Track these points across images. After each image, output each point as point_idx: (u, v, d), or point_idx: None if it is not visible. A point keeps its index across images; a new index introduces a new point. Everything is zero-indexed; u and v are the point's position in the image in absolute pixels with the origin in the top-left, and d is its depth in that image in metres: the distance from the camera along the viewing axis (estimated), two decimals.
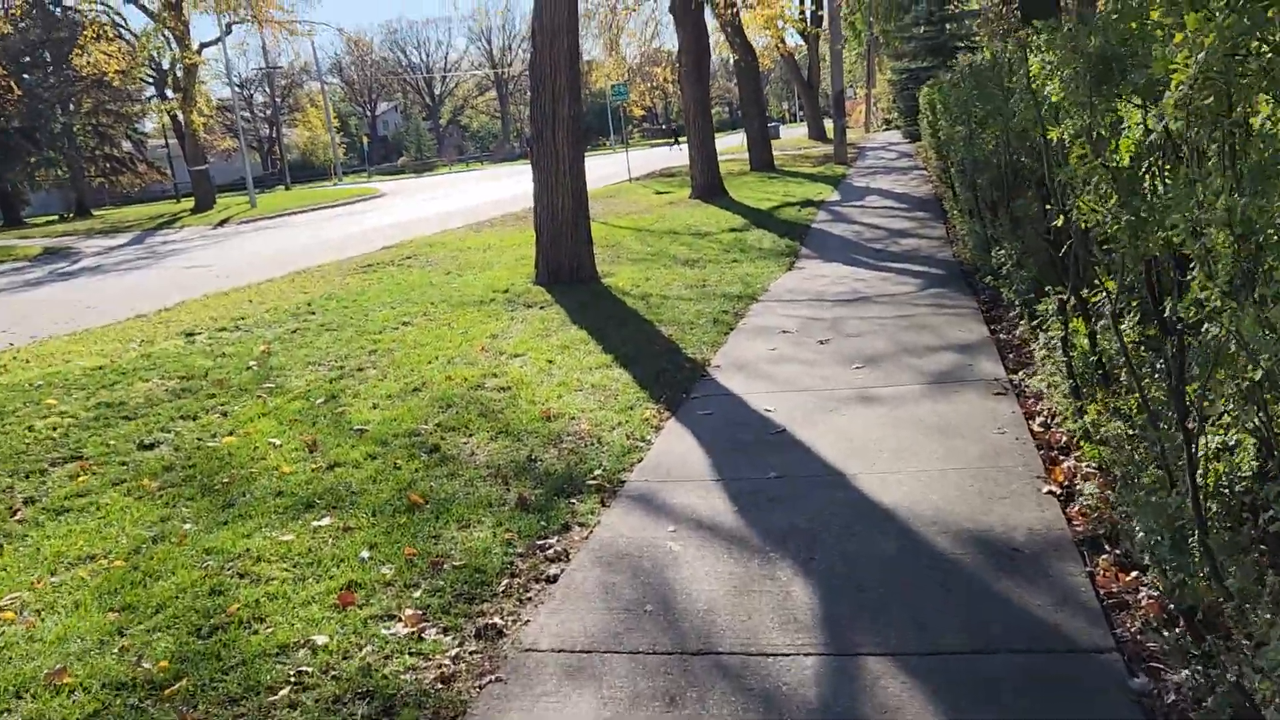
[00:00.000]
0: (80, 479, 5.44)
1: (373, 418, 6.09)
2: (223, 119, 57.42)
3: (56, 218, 45.47)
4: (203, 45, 37.07)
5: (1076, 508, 3.81)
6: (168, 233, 29.02)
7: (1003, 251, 6.35)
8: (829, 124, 35.19)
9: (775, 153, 29.31)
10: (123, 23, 37.18)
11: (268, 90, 73.71)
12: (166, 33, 34.33)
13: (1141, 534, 2.58)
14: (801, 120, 64.49)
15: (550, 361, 7.11)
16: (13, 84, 34.09)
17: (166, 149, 56.20)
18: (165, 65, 42.33)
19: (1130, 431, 3.34)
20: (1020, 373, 5.70)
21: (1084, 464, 4.07)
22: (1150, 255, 2.68)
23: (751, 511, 4.20)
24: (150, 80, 45.65)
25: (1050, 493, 3.98)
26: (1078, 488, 3.97)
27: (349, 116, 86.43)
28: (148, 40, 34.18)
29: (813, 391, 5.86)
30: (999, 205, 6.70)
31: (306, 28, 65.06)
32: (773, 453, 4.89)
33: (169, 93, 42.94)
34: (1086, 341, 4.03)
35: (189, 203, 39.42)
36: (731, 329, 7.84)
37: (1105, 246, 3.69)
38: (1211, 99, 1.91)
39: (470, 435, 5.59)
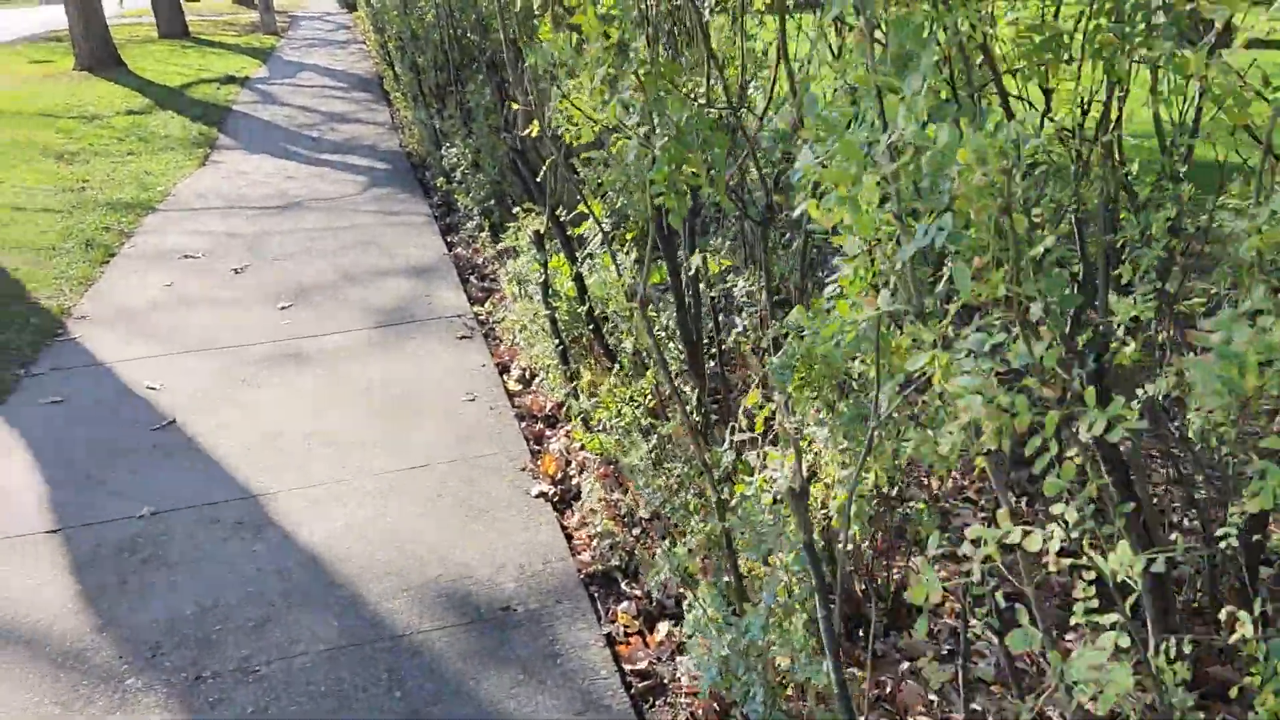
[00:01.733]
0: None
1: None
2: None
3: None
4: None
5: (577, 517, 2.87)
6: None
7: (455, 151, 5.21)
8: None
9: (191, 18, 25.10)
10: None
11: None
12: None
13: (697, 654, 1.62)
14: None
15: None
16: None
17: None
18: None
19: (646, 423, 2.40)
20: (488, 302, 4.67)
21: (578, 445, 3.14)
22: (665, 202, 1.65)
23: (107, 594, 2.64)
24: None
25: (542, 495, 2.99)
26: (574, 481, 3.03)
27: None
28: None
29: (222, 350, 4.27)
30: (446, 92, 5.52)
31: None
32: (154, 467, 3.30)
33: None
34: (574, 286, 3.04)
35: None
36: (114, 255, 5.79)
37: (589, 157, 2.67)
38: None
39: None
